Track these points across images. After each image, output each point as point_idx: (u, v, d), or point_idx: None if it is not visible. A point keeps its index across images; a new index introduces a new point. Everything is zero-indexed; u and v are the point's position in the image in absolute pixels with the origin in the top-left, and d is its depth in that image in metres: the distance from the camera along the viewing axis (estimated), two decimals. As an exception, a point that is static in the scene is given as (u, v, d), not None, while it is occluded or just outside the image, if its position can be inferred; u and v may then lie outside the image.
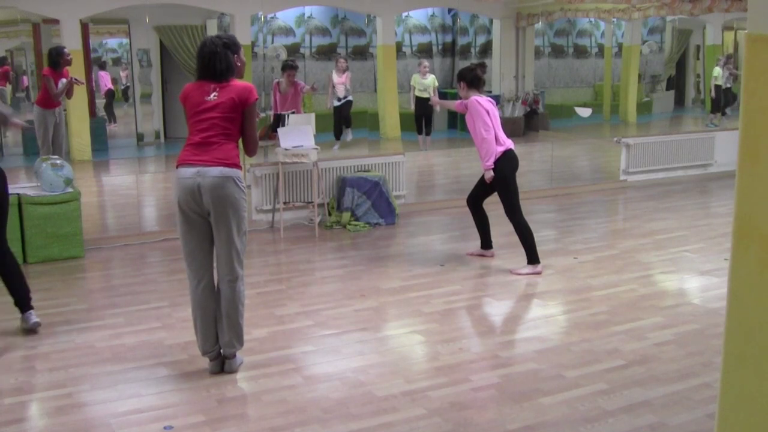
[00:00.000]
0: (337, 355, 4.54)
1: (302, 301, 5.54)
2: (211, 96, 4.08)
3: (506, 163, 6.17)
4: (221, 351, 4.28)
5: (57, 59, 9.06)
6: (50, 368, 4.36)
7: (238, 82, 4.15)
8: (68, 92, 9.20)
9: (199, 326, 4.22)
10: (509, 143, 6.24)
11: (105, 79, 14.70)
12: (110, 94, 14.83)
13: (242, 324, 4.27)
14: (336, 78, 12.74)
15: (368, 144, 13.93)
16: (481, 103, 6.10)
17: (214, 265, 4.24)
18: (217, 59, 4.08)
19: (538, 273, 6.09)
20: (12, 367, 4.40)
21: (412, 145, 13.13)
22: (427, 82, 13.06)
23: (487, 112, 6.10)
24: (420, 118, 13.32)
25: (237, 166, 4.13)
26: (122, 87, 14.90)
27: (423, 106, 13.01)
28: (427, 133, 13.33)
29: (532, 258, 6.13)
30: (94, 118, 13.25)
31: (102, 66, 14.71)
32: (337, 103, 12.78)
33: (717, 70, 15.14)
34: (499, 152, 6.14)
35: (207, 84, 4.11)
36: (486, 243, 6.64)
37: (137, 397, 3.98)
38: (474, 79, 6.21)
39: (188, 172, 4.07)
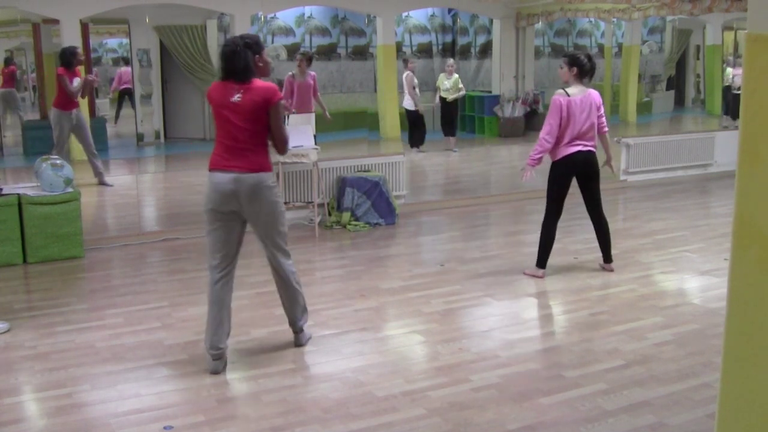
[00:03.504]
0: (337, 355, 4.54)
1: (304, 298, 5.53)
2: (235, 97, 4.16)
3: (561, 168, 5.89)
4: (291, 327, 4.62)
5: (70, 59, 9.27)
6: (50, 368, 4.36)
7: (260, 83, 4.22)
8: (83, 91, 9.39)
9: (212, 321, 4.28)
10: (579, 146, 5.84)
11: (126, 76, 14.54)
12: (126, 93, 14.64)
13: (303, 301, 4.59)
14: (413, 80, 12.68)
15: (368, 144, 13.94)
16: (556, 103, 5.80)
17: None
18: (236, 58, 4.16)
19: (538, 277, 6.05)
20: (12, 367, 4.40)
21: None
22: (449, 84, 13.10)
23: (562, 115, 5.78)
24: (444, 119, 13.33)
25: (270, 169, 4.28)
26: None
27: (447, 107, 13.07)
28: (452, 134, 13.31)
29: (539, 262, 6.09)
30: (94, 118, 13.24)
31: (126, 61, 14.58)
32: (414, 108, 12.70)
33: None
34: (567, 154, 5.84)
35: (231, 84, 4.20)
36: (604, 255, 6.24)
37: (137, 397, 3.98)
38: (582, 70, 5.88)
39: (224, 177, 4.18)
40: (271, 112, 4.19)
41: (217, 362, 4.28)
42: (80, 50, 9.59)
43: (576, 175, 5.98)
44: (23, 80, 13.97)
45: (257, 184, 4.18)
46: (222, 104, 4.18)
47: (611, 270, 6.19)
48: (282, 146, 4.33)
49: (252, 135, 4.19)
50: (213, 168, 4.23)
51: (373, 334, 4.92)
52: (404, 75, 12.75)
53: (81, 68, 9.69)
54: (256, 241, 4.51)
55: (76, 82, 9.24)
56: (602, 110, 6.01)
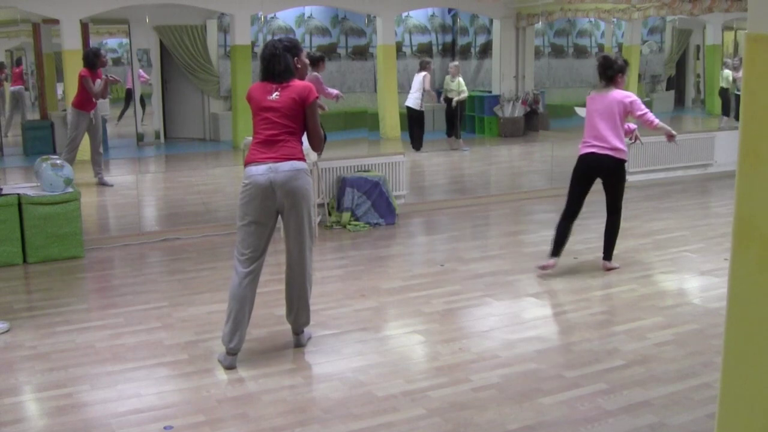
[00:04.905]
0: (337, 355, 4.54)
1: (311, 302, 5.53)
2: (273, 96, 4.29)
3: (575, 165, 6.05)
4: (291, 327, 4.64)
5: (94, 60, 9.41)
6: (50, 368, 4.36)
7: (298, 82, 4.35)
8: (103, 92, 9.48)
9: (232, 319, 4.31)
10: (593, 147, 5.88)
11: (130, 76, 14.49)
12: (130, 95, 14.60)
13: (310, 303, 4.60)
14: (426, 84, 12.68)
15: (368, 144, 13.93)
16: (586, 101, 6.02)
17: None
18: (276, 61, 4.30)
19: (549, 266, 6.01)
20: (12, 367, 4.40)
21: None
22: (453, 85, 13.29)
23: (587, 108, 5.98)
24: (449, 119, 13.45)
25: (303, 159, 4.35)
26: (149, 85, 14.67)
27: (451, 108, 13.17)
28: (457, 136, 13.38)
29: (551, 251, 6.09)
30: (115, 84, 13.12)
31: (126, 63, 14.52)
32: (419, 109, 12.68)
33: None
34: (579, 153, 5.99)
35: (269, 85, 4.33)
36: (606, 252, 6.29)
37: (137, 397, 3.98)
38: (599, 72, 5.92)
39: (260, 168, 4.26)
40: (307, 111, 4.32)
41: (233, 358, 4.34)
42: (104, 52, 9.75)
43: (599, 176, 6.01)
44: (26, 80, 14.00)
45: (291, 170, 4.26)
46: (260, 103, 4.31)
47: (606, 269, 6.18)
48: (317, 143, 4.46)
49: (287, 130, 4.29)
50: (248, 162, 4.32)
51: (373, 334, 4.92)
52: (423, 75, 12.67)
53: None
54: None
55: (98, 83, 9.34)
56: (635, 108, 5.82)
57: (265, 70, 4.36)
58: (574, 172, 6.06)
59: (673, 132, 6.17)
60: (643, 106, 5.90)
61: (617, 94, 5.85)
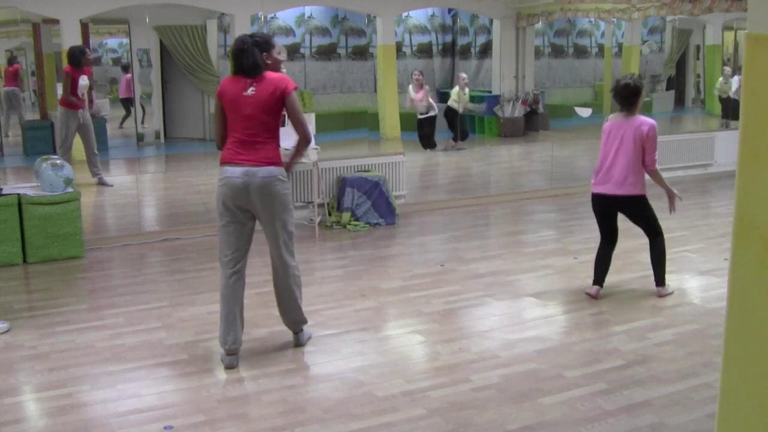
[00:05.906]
0: (337, 355, 4.54)
1: (302, 301, 5.52)
2: (249, 91, 4.21)
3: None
4: (288, 327, 4.65)
5: (79, 57, 9.35)
6: (50, 368, 4.36)
7: (273, 74, 4.28)
8: (87, 98, 9.43)
9: (225, 317, 4.33)
10: (602, 187, 5.45)
11: (124, 84, 14.36)
12: (128, 101, 14.44)
13: (301, 304, 4.59)
14: (413, 94, 12.68)
15: (368, 144, 13.93)
16: (603, 129, 5.50)
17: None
18: (244, 56, 4.23)
19: (591, 295, 5.56)
20: (12, 367, 4.40)
21: (413, 145, 13.13)
22: (466, 96, 13.35)
23: (602, 140, 5.50)
24: (451, 125, 13.51)
25: (281, 163, 4.31)
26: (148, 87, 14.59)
27: (452, 115, 13.18)
28: (462, 138, 13.43)
29: (593, 279, 5.66)
30: (94, 118, 13.21)
31: (125, 68, 14.39)
32: (420, 116, 12.79)
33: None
34: (591, 192, 5.57)
35: (242, 79, 4.26)
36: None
37: (137, 397, 3.98)
38: (621, 101, 5.41)
39: (236, 171, 4.21)
40: (287, 101, 4.24)
41: (232, 358, 4.34)
42: (89, 50, 9.65)
43: (619, 212, 5.62)
44: (24, 80, 13.99)
45: (268, 177, 4.21)
46: (235, 98, 4.23)
47: (659, 296, 5.60)
48: (304, 132, 4.32)
49: (266, 128, 4.24)
50: (224, 162, 4.27)
51: (373, 334, 4.92)
52: (424, 89, 12.71)
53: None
54: (255, 241, 4.52)
55: (83, 80, 9.29)
56: (651, 144, 5.34)
57: (235, 65, 4.29)
58: (593, 209, 5.65)
59: (678, 195, 5.57)
60: (654, 146, 5.37)
61: (636, 121, 5.34)
